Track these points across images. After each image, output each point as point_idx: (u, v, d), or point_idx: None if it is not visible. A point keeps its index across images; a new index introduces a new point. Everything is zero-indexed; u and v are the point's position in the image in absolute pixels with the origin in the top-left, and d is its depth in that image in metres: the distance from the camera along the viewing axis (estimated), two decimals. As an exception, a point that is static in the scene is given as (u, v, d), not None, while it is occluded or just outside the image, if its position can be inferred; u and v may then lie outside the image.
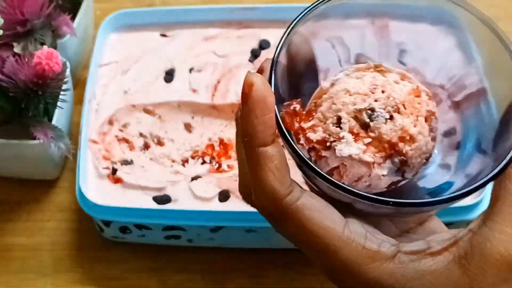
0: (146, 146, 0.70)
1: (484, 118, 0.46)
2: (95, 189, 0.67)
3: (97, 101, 0.72)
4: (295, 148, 0.40)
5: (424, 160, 0.45)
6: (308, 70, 0.47)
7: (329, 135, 0.41)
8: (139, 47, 0.77)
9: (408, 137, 0.42)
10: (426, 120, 0.43)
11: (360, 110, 0.41)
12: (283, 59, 0.43)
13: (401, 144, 0.41)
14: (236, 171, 0.70)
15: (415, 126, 0.42)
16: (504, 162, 0.40)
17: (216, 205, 0.67)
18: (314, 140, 0.42)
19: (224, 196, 0.67)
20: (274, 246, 0.68)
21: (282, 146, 0.43)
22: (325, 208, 0.42)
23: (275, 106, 0.41)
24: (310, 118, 0.42)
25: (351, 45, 0.48)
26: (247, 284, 0.67)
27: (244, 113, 0.42)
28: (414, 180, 0.46)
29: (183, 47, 0.77)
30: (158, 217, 0.64)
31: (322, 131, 0.42)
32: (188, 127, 0.72)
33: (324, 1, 0.44)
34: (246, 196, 0.47)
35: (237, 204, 0.67)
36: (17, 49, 0.64)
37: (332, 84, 0.44)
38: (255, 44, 0.76)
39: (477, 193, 0.64)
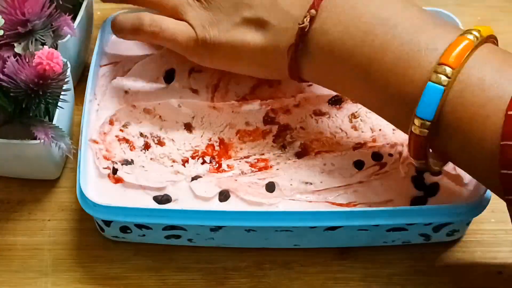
0: (146, 146, 0.70)
1: None
2: (96, 188, 0.68)
3: (97, 101, 0.72)
4: None
5: None
6: None
7: None
8: (139, 47, 0.77)
9: None
10: None
11: None
12: None
13: None
14: (236, 170, 0.70)
15: None
16: None
17: (216, 205, 0.67)
18: None
19: (224, 196, 0.67)
20: (274, 246, 0.68)
21: None
22: None
23: None
24: None
25: None
26: (247, 283, 0.67)
27: None
28: None
29: None
30: (158, 216, 0.64)
31: None
32: (188, 127, 0.72)
33: None
34: None
35: (237, 204, 0.66)
36: (18, 49, 0.64)
37: None
38: None
39: (476, 194, 0.66)
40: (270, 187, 0.68)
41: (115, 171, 0.68)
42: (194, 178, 0.68)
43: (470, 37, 0.56)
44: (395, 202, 0.66)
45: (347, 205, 0.66)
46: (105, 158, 0.69)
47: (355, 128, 0.72)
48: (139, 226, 0.66)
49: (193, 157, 0.70)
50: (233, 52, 0.67)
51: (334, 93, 0.72)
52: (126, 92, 0.73)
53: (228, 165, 0.69)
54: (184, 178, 0.68)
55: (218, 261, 0.68)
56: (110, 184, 0.68)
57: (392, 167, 0.68)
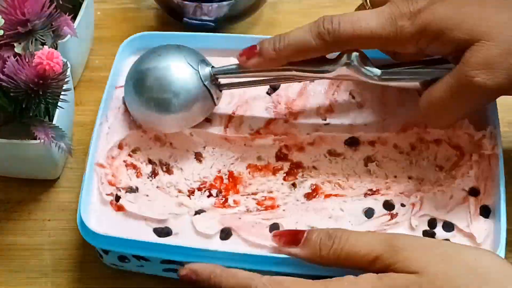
0: (154, 174, 0.64)
1: None
2: (96, 215, 0.61)
3: (108, 123, 0.65)
4: None
5: None
6: None
7: None
8: None
9: None
10: None
11: None
12: None
13: None
14: (241, 207, 0.62)
15: None
16: None
17: (217, 243, 0.59)
18: None
19: (226, 234, 0.59)
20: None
21: None
22: None
23: None
24: None
25: None
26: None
27: None
28: None
29: None
30: (156, 250, 0.57)
31: None
32: (198, 157, 0.65)
33: None
34: None
35: (238, 244, 0.59)
36: (17, 49, 0.60)
37: None
38: None
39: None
40: (274, 229, 0.59)
41: (117, 198, 0.61)
42: (198, 212, 0.61)
43: None
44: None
45: None
46: (110, 183, 0.62)
47: (369, 172, 0.63)
48: (137, 257, 0.59)
49: (199, 189, 0.63)
50: None
51: (351, 134, 0.65)
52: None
53: (234, 200, 0.62)
54: (187, 211, 0.61)
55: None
56: (112, 211, 0.61)
57: (403, 218, 0.59)
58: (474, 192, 0.59)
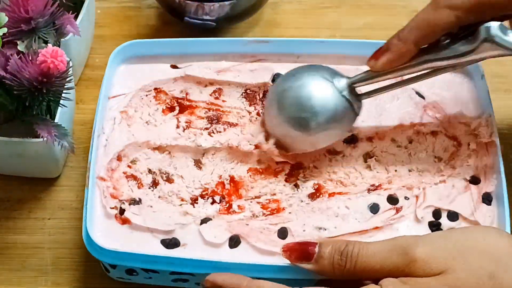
0: (154, 183, 0.63)
1: None
2: (102, 229, 0.60)
3: (106, 135, 0.64)
4: None
5: None
6: None
7: None
8: (149, 79, 0.68)
9: None
10: None
11: None
12: None
13: None
14: (246, 212, 0.61)
15: None
16: None
17: (226, 252, 0.59)
18: None
19: (234, 242, 0.59)
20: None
21: None
22: None
23: None
24: None
25: None
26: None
27: None
28: None
29: (194, 81, 0.68)
30: (165, 263, 0.57)
31: None
32: (198, 164, 0.64)
33: None
34: None
35: (247, 251, 0.59)
36: (20, 47, 0.59)
37: None
38: (268, 78, 0.67)
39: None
40: (282, 233, 0.59)
41: (122, 211, 0.61)
42: (204, 221, 0.60)
43: None
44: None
45: None
46: (112, 196, 0.61)
47: (369, 168, 0.63)
48: (146, 269, 0.59)
49: (202, 196, 0.62)
50: None
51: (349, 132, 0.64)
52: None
53: (239, 206, 0.62)
54: (193, 221, 0.60)
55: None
56: (117, 225, 0.60)
57: (408, 211, 0.60)
58: (475, 180, 0.61)
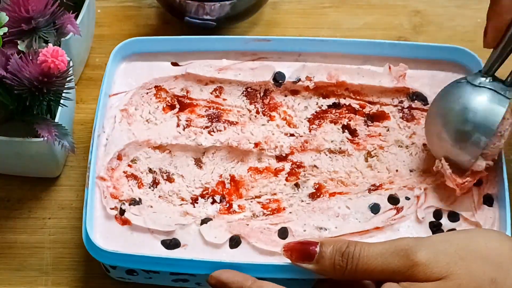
0: (155, 183, 0.63)
1: None
2: (102, 230, 0.60)
3: (106, 134, 0.64)
4: None
5: None
6: None
7: None
8: (149, 76, 0.68)
9: None
10: None
11: None
12: None
13: None
14: (247, 212, 0.61)
15: None
16: None
17: (227, 252, 0.59)
18: None
19: (235, 242, 0.59)
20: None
21: None
22: None
23: None
24: None
25: None
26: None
27: None
28: None
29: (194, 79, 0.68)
30: (166, 264, 0.57)
31: None
32: (198, 163, 0.64)
33: None
34: None
35: (248, 251, 0.59)
36: (21, 46, 0.59)
37: None
38: (269, 77, 0.66)
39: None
40: (283, 233, 0.59)
41: (122, 212, 0.60)
42: (204, 221, 0.60)
43: None
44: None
45: None
46: (113, 196, 0.61)
47: (370, 167, 0.63)
48: (146, 270, 0.59)
49: (202, 196, 0.62)
50: None
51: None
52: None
53: (239, 206, 0.61)
54: (193, 221, 0.60)
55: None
56: (117, 226, 0.60)
57: (409, 212, 0.59)
58: (476, 181, 0.60)
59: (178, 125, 0.65)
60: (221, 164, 0.64)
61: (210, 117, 0.65)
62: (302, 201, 0.61)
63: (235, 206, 0.61)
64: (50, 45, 0.57)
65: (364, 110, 0.65)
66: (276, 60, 0.68)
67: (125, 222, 0.60)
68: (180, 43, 0.68)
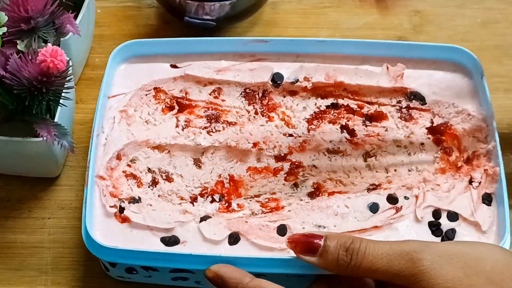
0: (154, 182, 0.63)
1: None
2: (102, 228, 0.60)
3: (105, 135, 0.64)
4: None
5: None
6: None
7: None
8: (148, 78, 0.68)
9: None
10: None
11: None
12: None
13: None
14: (246, 211, 0.61)
15: None
16: None
17: (226, 248, 0.59)
18: None
19: (234, 239, 0.59)
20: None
21: None
22: None
23: None
24: None
25: None
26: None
27: None
28: None
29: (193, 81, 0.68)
30: (165, 260, 0.57)
31: None
32: (197, 163, 0.64)
33: None
34: None
35: (247, 247, 0.59)
36: (20, 46, 0.59)
37: None
38: (267, 78, 0.67)
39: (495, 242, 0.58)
40: (282, 231, 0.59)
41: (121, 210, 0.61)
42: (203, 219, 0.60)
43: None
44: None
45: None
46: (112, 195, 0.61)
47: (369, 167, 0.63)
48: (146, 268, 0.59)
49: (202, 195, 0.62)
50: None
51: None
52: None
53: (238, 204, 0.62)
54: (192, 218, 0.60)
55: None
56: (117, 223, 0.60)
57: (408, 211, 0.59)
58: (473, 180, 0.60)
59: (177, 126, 0.65)
60: (220, 164, 0.64)
61: (209, 117, 0.65)
62: (301, 200, 0.61)
63: (234, 205, 0.62)
64: (49, 44, 0.57)
65: (362, 110, 0.64)
66: (275, 61, 0.68)
67: (125, 219, 0.60)
68: (178, 45, 0.68)
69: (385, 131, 0.63)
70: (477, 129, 0.62)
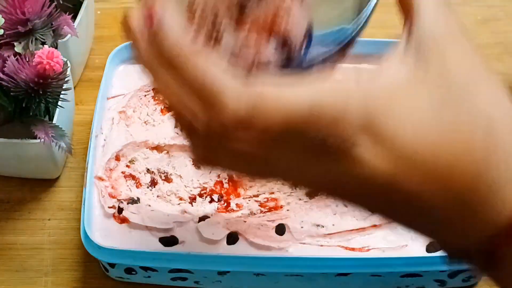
0: (153, 183, 0.63)
1: None
2: (100, 229, 0.60)
3: (104, 135, 0.64)
4: None
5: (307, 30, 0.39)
6: None
7: (213, 30, 0.38)
8: (147, 79, 0.73)
9: (282, 14, 0.38)
10: None
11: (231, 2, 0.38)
12: None
13: (278, 22, 0.38)
14: (245, 210, 0.61)
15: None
16: None
17: (224, 248, 0.59)
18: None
19: (232, 238, 0.59)
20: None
21: None
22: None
23: None
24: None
25: None
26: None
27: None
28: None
29: None
30: (164, 260, 0.57)
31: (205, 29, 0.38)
32: (196, 163, 0.64)
33: None
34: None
35: (245, 247, 0.59)
36: (18, 48, 0.59)
37: None
38: None
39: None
40: (280, 230, 0.60)
41: (120, 210, 0.61)
42: (202, 219, 0.61)
43: None
44: (410, 247, 0.59)
45: (360, 250, 0.59)
46: (111, 196, 0.62)
47: None
48: (145, 268, 0.59)
49: (201, 195, 0.63)
50: None
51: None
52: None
53: (237, 204, 0.62)
54: (191, 218, 0.61)
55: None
56: (115, 224, 0.60)
57: None
58: None
59: (175, 126, 0.65)
60: None
61: None
62: (300, 199, 0.61)
63: (233, 205, 0.61)
64: (46, 46, 0.57)
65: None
66: None
67: (123, 220, 0.61)
68: None
69: None
70: None
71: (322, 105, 0.32)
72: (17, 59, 0.58)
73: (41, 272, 0.64)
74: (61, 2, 0.64)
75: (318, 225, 0.60)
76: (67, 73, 0.59)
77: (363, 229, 0.59)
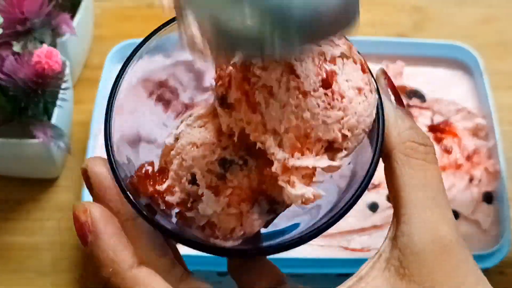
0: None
1: None
2: None
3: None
4: (150, 219, 0.34)
5: None
6: None
7: (188, 195, 0.36)
8: None
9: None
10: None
11: (212, 163, 0.36)
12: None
13: (264, 186, 0.36)
14: None
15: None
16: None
17: None
18: (174, 203, 0.37)
19: None
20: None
21: None
22: None
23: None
24: (164, 179, 0.38)
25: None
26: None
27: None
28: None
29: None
30: None
31: (179, 192, 0.37)
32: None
33: None
34: None
35: None
36: (16, 48, 0.59)
37: (177, 139, 0.38)
38: None
39: (495, 241, 0.57)
40: None
41: None
42: None
43: None
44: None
45: (361, 250, 0.59)
46: None
47: None
48: None
49: None
50: None
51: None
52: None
53: None
54: None
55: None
56: None
57: None
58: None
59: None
60: None
61: None
62: None
63: None
64: (45, 45, 0.57)
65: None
66: None
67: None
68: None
69: None
70: (478, 127, 0.61)
71: None
72: (15, 59, 0.57)
73: (40, 273, 0.64)
74: (59, 1, 0.63)
75: None
76: (66, 73, 0.59)
77: (363, 229, 0.58)
